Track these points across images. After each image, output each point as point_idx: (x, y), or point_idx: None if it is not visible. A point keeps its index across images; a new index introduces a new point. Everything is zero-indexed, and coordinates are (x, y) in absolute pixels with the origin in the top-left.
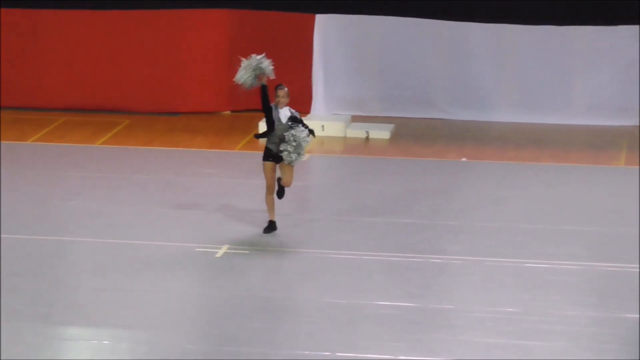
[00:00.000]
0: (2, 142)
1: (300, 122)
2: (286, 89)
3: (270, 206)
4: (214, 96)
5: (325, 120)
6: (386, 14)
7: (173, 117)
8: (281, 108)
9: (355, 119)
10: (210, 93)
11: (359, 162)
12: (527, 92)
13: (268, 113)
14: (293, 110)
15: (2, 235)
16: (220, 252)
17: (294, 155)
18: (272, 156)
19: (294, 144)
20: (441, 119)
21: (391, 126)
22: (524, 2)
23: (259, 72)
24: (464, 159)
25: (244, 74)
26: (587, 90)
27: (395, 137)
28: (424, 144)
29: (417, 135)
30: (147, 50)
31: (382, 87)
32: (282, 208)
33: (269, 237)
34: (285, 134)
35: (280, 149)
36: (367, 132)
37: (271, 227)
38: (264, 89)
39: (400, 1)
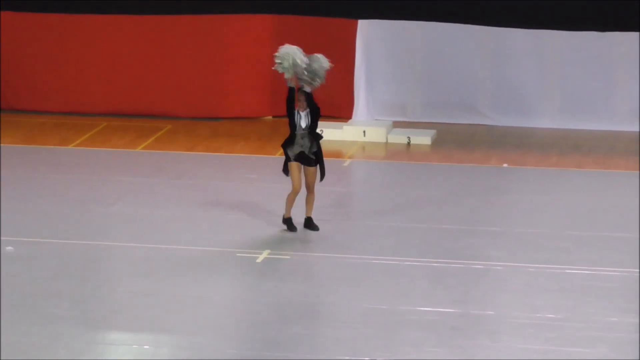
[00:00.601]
0: (44, 146)
1: (316, 115)
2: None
3: (290, 204)
4: (256, 101)
5: (366, 126)
6: (429, 20)
7: (215, 122)
8: (302, 112)
9: (397, 124)
10: (253, 98)
11: (400, 168)
12: (569, 97)
13: (291, 118)
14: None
15: (42, 240)
16: (261, 257)
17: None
18: (294, 158)
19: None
20: (483, 124)
21: (433, 132)
22: (567, 7)
23: (294, 69)
24: (505, 165)
25: (287, 61)
26: (630, 96)
27: (436, 142)
28: (465, 149)
29: (459, 141)
30: (189, 55)
31: (424, 93)
32: (323, 213)
33: (310, 242)
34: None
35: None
36: (408, 137)
37: (288, 224)
38: (291, 92)
39: (443, 6)
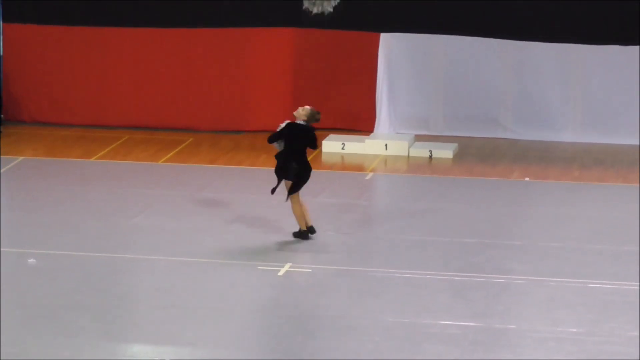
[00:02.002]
0: (67, 159)
1: (311, 134)
2: (308, 107)
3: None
4: (278, 114)
5: (388, 139)
6: (451, 33)
7: (237, 135)
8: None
9: (419, 138)
10: (275, 111)
11: (422, 181)
12: (592, 112)
13: (288, 135)
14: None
15: (65, 252)
16: (282, 270)
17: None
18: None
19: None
20: (505, 138)
21: (454, 145)
22: (590, 21)
23: None
24: (527, 179)
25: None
26: None
27: (458, 156)
28: (487, 163)
29: (481, 155)
30: (211, 68)
31: (446, 106)
32: (345, 226)
33: (331, 255)
34: None
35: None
36: (430, 151)
37: (301, 234)
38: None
39: (465, 20)
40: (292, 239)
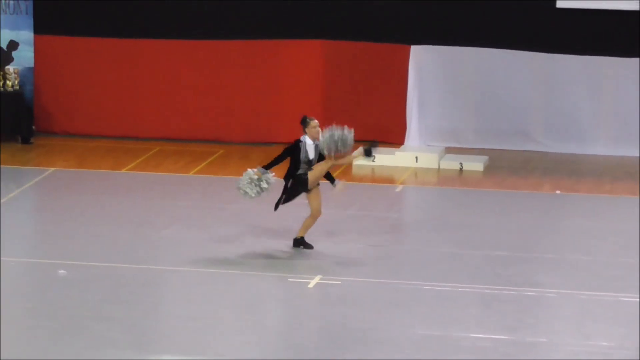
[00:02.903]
0: (97, 170)
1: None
2: (316, 121)
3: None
4: None
5: (419, 152)
6: (481, 46)
7: (268, 147)
8: (312, 142)
9: (449, 150)
10: None
11: (452, 194)
12: (623, 124)
13: (295, 153)
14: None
15: (95, 263)
16: (312, 282)
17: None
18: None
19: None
20: (536, 151)
21: (485, 158)
22: (621, 34)
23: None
24: (558, 192)
25: (246, 186)
26: None
27: (489, 169)
28: (518, 176)
29: (512, 167)
30: (242, 80)
31: (476, 119)
32: (375, 239)
33: (361, 267)
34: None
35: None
36: (460, 163)
37: (297, 243)
38: (269, 167)
39: (496, 33)
40: (323, 251)
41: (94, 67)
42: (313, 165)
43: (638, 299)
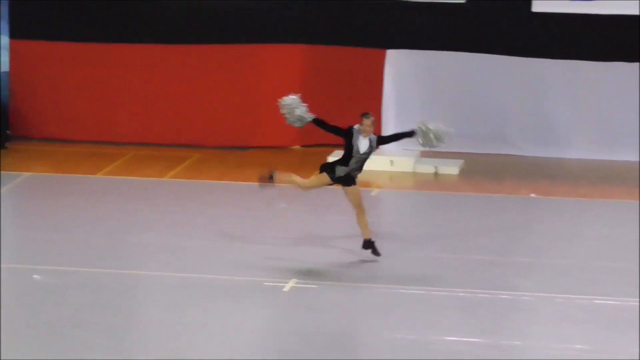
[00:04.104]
0: (75, 175)
1: (389, 140)
2: (372, 118)
3: (364, 226)
4: (284, 131)
5: (394, 156)
6: (457, 50)
7: (244, 152)
8: (364, 137)
9: (425, 154)
10: (281, 128)
11: (427, 198)
12: (599, 128)
13: (346, 138)
14: (373, 138)
15: (73, 269)
16: (288, 286)
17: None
18: (340, 180)
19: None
20: (512, 154)
21: (460, 162)
22: (598, 38)
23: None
24: (532, 195)
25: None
26: None
27: (464, 172)
28: (493, 179)
29: (487, 171)
30: (218, 85)
31: (452, 123)
32: (350, 243)
33: (337, 271)
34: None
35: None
36: (435, 167)
37: (367, 245)
38: (317, 123)
39: (472, 37)
40: (299, 254)
41: (71, 72)
42: (360, 158)
43: (638, 304)
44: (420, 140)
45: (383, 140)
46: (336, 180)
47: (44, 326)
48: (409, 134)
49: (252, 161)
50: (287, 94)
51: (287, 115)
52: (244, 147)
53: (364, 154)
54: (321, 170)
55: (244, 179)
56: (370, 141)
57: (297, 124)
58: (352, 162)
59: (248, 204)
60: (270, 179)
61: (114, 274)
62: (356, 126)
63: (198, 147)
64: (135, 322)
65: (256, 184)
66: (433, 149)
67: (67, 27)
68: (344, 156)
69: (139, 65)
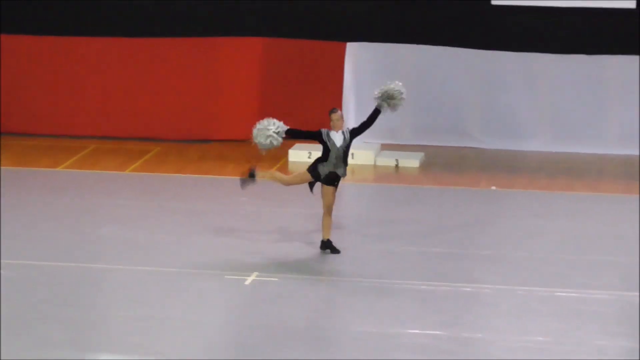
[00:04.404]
0: (35, 168)
1: (361, 128)
2: (340, 112)
3: (326, 227)
4: (245, 124)
5: (355, 149)
6: (418, 43)
7: (204, 145)
8: (336, 132)
9: (385, 147)
10: (242, 120)
11: (388, 191)
12: (559, 121)
13: (320, 140)
14: (346, 130)
15: (33, 262)
16: (249, 280)
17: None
18: (326, 180)
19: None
20: (472, 147)
21: (421, 154)
22: (557, 31)
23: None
24: (493, 188)
25: (260, 136)
26: (620, 119)
27: (425, 165)
28: (454, 172)
29: (448, 164)
30: (178, 78)
31: (413, 116)
32: (312, 236)
33: (299, 264)
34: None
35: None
36: (396, 160)
37: (325, 245)
38: (292, 133)
39: (432, 30)
40: (260, 248)
41: (30, 65)
42: (339, 153)
43: (638, 296)
44: (388, 108)
45: (355, 131)
46: (323, 180)
47: (5, 321)
48: (376, 112)
49: (212, 154)
50: (246, 87)
51: (259, 140)
52: (204, 140)
53: (340, 148)
54: (308, 170)
55: (205, 172)
56: (344, 134)
57: (270, 144)
58: (332, 158)
59: (209, 197)
60: (252, 176)
61: (75, 267)
62: (325, 130)
63: (158, 141)
64: (97, 317)
65: (215, 176)
66: (402, 103)
67: (26, 21)
68: (322, 154)
69: (98, 58)
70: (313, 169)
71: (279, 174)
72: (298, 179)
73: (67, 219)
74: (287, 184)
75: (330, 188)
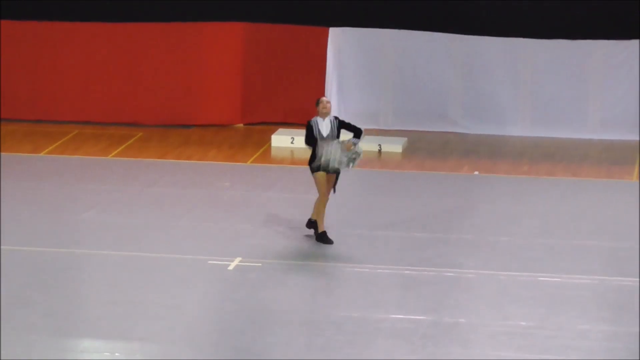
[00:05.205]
0: (16, 154)
1: (346, 126)
2: (324, 99)
3: (320, 214)
4: (227, 109)
5: None
6: (400, 28)
7: (186, 130)
8: (323, 120)
9: (368, 132)
10: (224, 106)
11: (371, 176)
12: (541, 106)
13: (312, 131)
14: (333, 119)
15: (14, 247)
16: (232, 265)
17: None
18: (322, 168)
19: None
20: (455, 132)
21: (404, 140)
22: (539, 16)
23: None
24: (476, 173)
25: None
26: (602, 104)
27: (407, 150)
28: (437, 157)
29: (430, 149)
30: (160, 63)
31: (395, 101)
32: (294, 221)
33: (282, 250)
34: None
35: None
36: (379, 145)
37: (318, 234)
38: (308, 143)
39: (414, 15)
40: (243, 233)
41: (11, 50)
42: (327, 141)
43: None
44: (349, 154)
45: (344, 125)
46: (329, 170)
47: None
48: (357, 136)
49: (194, 139)
50: (228, 72)
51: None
52: (186, 126)
53: (327, 136)
54: (312, 172)
55: (187, 157)
56: (331, 122)
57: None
58: (321, 150)
59: (191, 182)
60: (314, 227)
61: (56, 252)
62: (312, 119)
63: (141, 126)
64: (78, 302)
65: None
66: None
67: (5, 5)
68: (313, 147)
69: (80, 43)
70: (316, 167)
71: (317, 203)
72: (319, 186)
73: (49, 204)
74: (324, 195)
75: (331, 176)
